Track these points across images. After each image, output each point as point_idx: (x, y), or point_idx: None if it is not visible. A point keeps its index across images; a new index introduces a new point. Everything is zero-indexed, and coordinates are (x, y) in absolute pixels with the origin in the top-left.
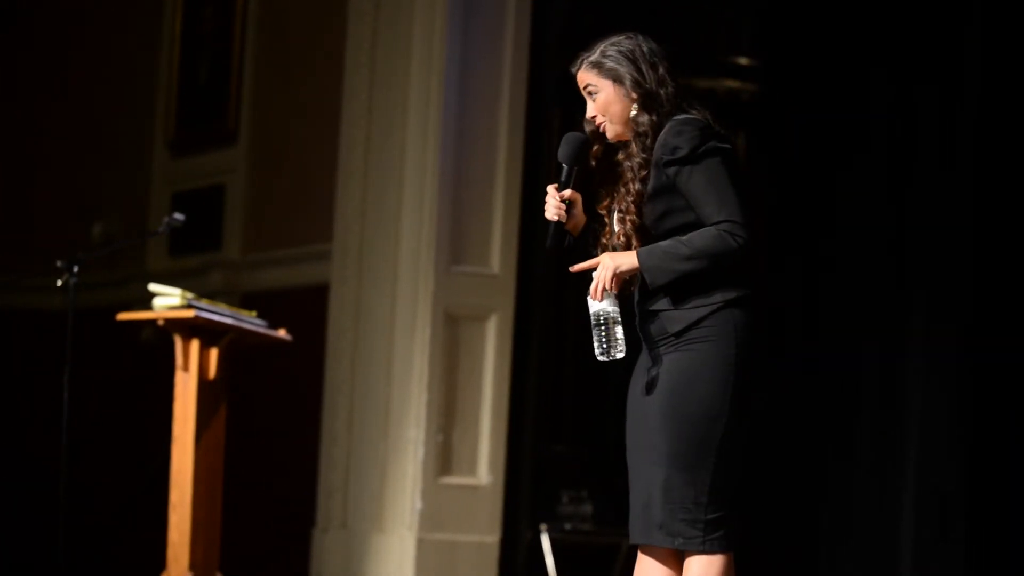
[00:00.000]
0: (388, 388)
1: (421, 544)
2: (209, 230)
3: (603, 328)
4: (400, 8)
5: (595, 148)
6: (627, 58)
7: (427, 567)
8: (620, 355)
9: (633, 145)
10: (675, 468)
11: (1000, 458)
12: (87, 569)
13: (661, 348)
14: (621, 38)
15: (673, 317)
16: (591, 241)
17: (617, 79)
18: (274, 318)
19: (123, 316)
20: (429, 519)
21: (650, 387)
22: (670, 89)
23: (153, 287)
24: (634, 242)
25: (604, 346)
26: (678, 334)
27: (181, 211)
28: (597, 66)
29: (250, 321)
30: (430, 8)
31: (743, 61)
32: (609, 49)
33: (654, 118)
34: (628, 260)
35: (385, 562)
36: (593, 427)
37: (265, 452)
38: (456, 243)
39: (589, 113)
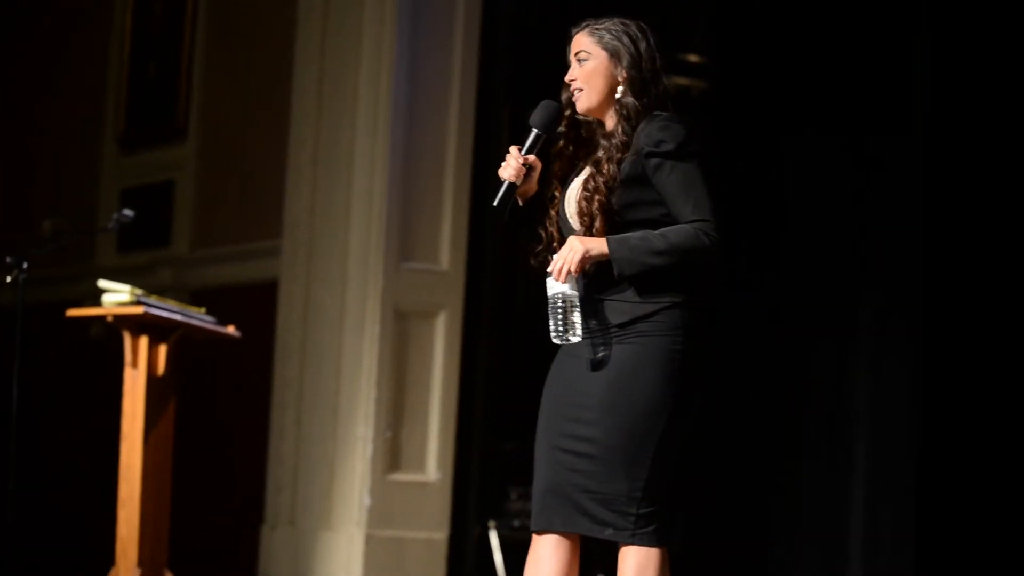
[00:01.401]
0: (337, 385)
1: (370, 541)
2: (158, 226)
3: (561, 310)
4: (350, 6)
5: (567, 114)
6: (631, 40)
7: (375, 564)
8: (576, 339)
9: (617, 126)
10: (610, 460)
11: (950, 450)
12: (36, 566)
13: (602, 339)
14: (632, 22)
15: (620, 308)
16: (537, 212)
17: (614, 54)
18: (223, 315)
19: (72, 312)
20: (378, 516)
21: (588, 378)
22: (661, 87)
23: (102, 283)
24: (597, 223)
25: (560, 329)
26: (622, 326)
27: (130, 207)
28: (599, 35)
29: (199, 317)
30: (379, 5)
31: (693, 59)
32: (617, 26)
33: (640, 104)
34: (598, 246)
35: (334, 559)
36: None
37: (214, 449)
38: (405, 240)
39: (569, 77)
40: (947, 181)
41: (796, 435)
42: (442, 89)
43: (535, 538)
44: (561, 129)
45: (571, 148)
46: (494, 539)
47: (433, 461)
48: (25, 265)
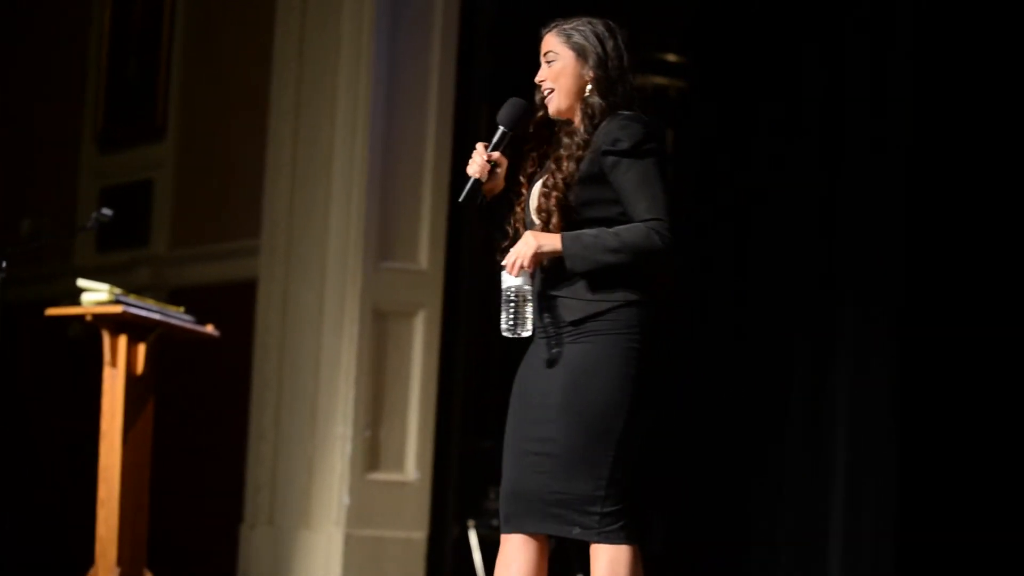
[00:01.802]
0: (316, 384)
1: (348, 540)
2: (137, 225)
3: (514, 304)
4: (329, 5)
5: (539, 115)
6: (599, 39)
7: (354, 563)
8: (526, 334)
9: (579, 125)
10: (572, 460)
11: (930, 451)
12: (15, 565)
13: (557, 337)
14: (599, 21)
15: (573, 306)
16: (504, 208)
17: (581, 54)
18: (202, 314)
19: (51, 311)
20: (357, 515)
21: (545, 376)
22: (628, 86)
23: (81, 282)
24: (554, 219)
25: (512, 323)
26: (575, 323)
27: (109, 206)
28: (566, 35)
29: (178, 317)
30: (358, 5)
31: (672, 58)
32: (584, 25)
33: (605, 104)
34: (551, 242)
35: (312, 558)
36: None
37: (193, 448)
38: (384, 239)
39: (538, 78)
40: (929, 180)
41: (777, 437)
42: (421, 88)
43: (503, 539)
44: (531, 129)
45: (544, 148)
46: (473, 538)
47: (412, 460)
48: (4, 264)
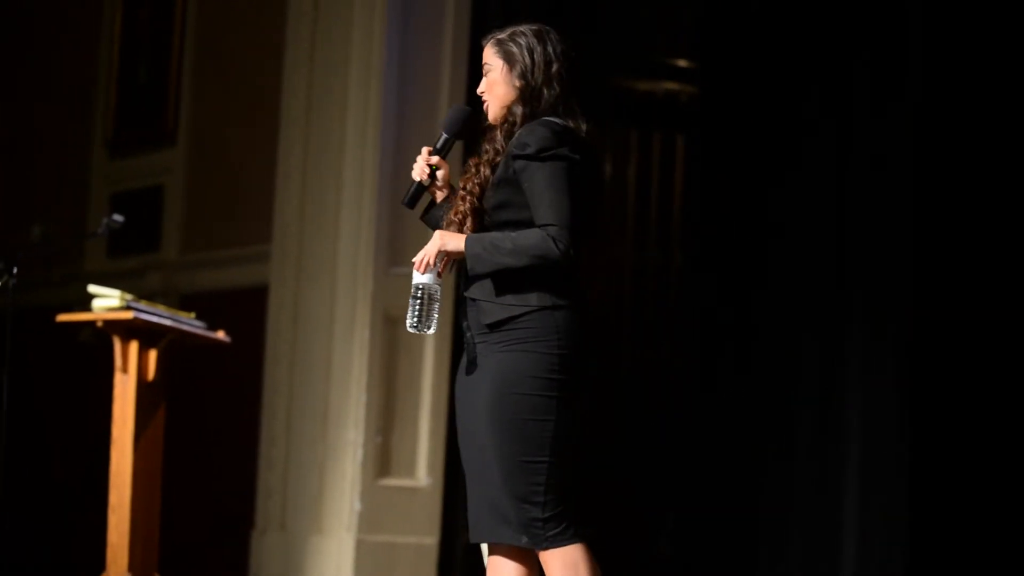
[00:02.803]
0: (327, 389)
1: (360, 546)
2: (147, 231)
3: (420, 301)
4: (339, 9)
5: (484, 124)
6: (526, 48)
7: (366, 569)
8: (430, 331)
9: (498, 131)
10: (509, 469)
11: (940, 451)
12: (27, 571)
13: (480, 344)
14: (530, 27)
15: (487, 309)
16: (445, 211)
17: (510, 62)
18: (213, 319)
19: (62, 317)
20: (368, 521)
21: (474, 385)
22: (555, 91)
23: (92, 288)
24: (469, 222)
25: (416, 319)
26: (491, 326)
27: (119, 212)
28: (499, 45)
29: (189, 323)
30: (369, 9)
31: (682, 63)
32: (518, 35)
33: (527, 112)
34: (456, 242)
35: (324, 563)
36: None
37: (204, 454)
38: (395, 244)
39: (479, 90)
40: (938, 167)
41: (787, 436)
42: (431, 93)
43: (488, 552)
44: (479, 138)
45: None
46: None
47: (423, 466)
48: (14, 270)
